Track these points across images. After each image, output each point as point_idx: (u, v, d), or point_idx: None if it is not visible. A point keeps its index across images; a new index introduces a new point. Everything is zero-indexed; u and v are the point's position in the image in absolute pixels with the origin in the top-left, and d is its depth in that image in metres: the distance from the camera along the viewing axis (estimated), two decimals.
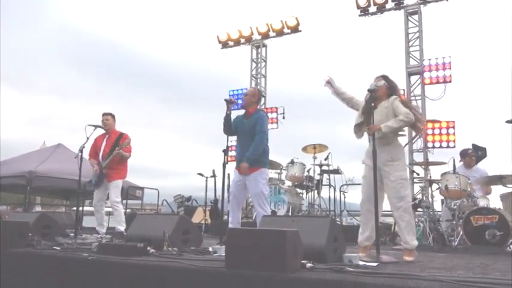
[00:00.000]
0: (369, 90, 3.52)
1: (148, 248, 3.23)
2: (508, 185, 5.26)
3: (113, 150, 5.52)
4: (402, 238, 3.49)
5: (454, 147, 8.07)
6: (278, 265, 2.27)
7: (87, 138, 5.21)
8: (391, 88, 3.67)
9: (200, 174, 8.24)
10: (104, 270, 2.91)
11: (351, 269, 2.36)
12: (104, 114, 5.74)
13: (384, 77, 3.68)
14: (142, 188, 11.35)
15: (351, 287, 2.10)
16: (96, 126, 5.41)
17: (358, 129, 3.67)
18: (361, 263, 2.78)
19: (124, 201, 10.27)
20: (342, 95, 3.85)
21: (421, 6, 9.24)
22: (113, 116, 5.82)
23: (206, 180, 8.18)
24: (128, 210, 10.62)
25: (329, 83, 3.82)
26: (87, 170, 5.56)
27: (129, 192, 10.71)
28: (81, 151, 5.11)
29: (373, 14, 9.65)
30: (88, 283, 2.94)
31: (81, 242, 4.21)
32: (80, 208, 8.08)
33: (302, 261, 2.42)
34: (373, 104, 3.50)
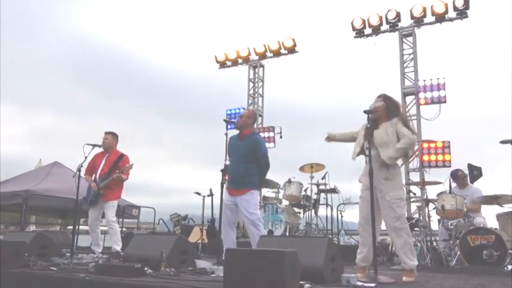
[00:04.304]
0: (365, 112, 3.54)
1: (146, 268, 3.22)
2: (504, 205, 5.29)
3: (111, 171, 5.47)
4: (400, 259, 3.46)
5: (449, 166, 8.16)
6: (276, 286, 2.28)
7: (85, 157, 5.18)
8: (390, 108, 3.62)
9: (197, 193, 8.22)
10: None
11: None
12: (105, 133, 5.70)
13: (384, 97, 3.67)
14: (138, 207, 11.28)
15: None
16: (94, 146, 5.38)
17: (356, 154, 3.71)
18: (359, 283, 2.78)
19: (120, 220, 10.22)
20: (343, 138, 3.96)
21: (415, 28, 9.44)
22: (114, 135, 5.75)
23: (203, 199, 8.16)
24: (123, 229, 10.53)
25: (329, 138, 3.98)
26: (84, 189, 5.54)
27: (126, 211, 10.64)
28: (79, 170, 5.09)
29: (368, 35, 9.85)
30: None
31: (77, 262, 4.18)
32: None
33: (300, 282, 2.43)
34: (369, 125, 3.53)
